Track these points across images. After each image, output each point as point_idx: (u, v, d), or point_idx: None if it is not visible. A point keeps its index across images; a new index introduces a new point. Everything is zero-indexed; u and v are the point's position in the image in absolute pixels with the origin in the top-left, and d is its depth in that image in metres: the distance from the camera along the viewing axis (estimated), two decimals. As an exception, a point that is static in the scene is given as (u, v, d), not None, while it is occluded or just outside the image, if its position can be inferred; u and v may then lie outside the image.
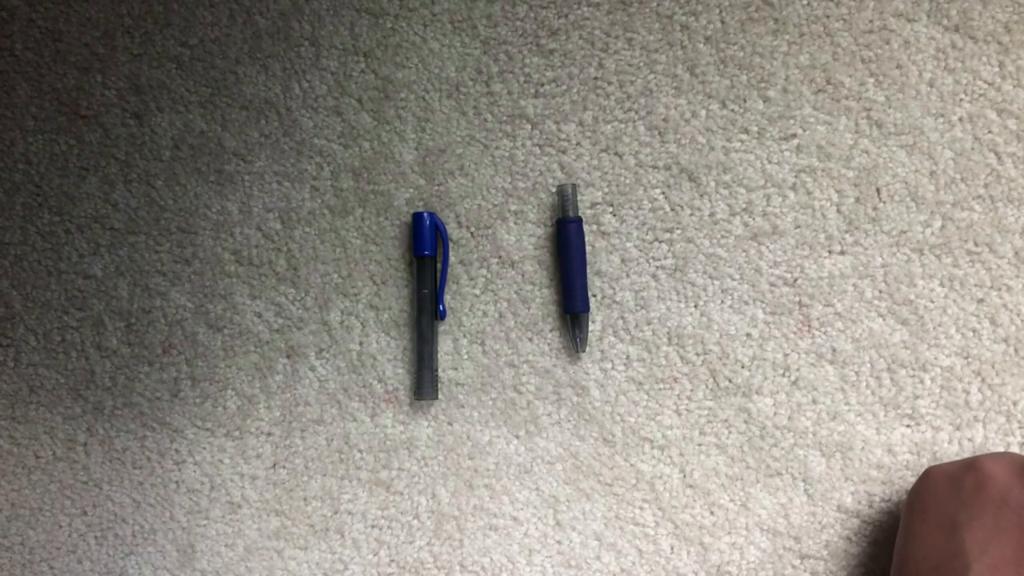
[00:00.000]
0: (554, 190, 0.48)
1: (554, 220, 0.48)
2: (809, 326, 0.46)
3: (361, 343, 0.48)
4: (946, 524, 0.39)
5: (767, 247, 0.47)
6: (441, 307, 0.47)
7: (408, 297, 0.48)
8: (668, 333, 0.47)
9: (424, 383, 0.47)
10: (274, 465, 0.48)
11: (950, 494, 0.39)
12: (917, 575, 0.39)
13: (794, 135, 0.47)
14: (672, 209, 0.47)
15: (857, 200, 0.47)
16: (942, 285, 0.46)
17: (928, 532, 0.39)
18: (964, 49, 0.46)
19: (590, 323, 0.47)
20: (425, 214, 0.47)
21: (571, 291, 0.46)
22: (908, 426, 0.46)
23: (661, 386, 0.47)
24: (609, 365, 0.47)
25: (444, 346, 0.48)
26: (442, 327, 0.48)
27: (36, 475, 0.49)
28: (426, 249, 0.47)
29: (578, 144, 0.48)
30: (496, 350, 0.48)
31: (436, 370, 0.47)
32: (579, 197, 0.48)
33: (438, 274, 0.48)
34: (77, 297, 0.50)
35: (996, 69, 0.46)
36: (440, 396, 0.48)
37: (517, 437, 0.47)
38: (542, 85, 0.48)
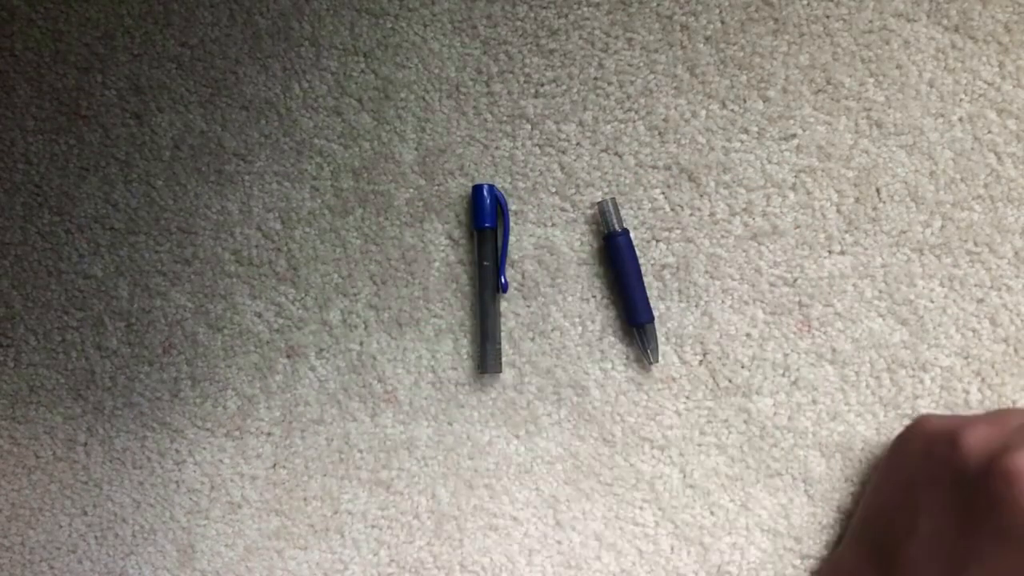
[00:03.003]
0: (593, 209, 0.48)
1: (600, 232, 0.48)
2: (809, 326, 0.46)
3: (361, 343, 0.48)
4: (906, 485, 0.40)
5: (767, 247, 0.47)
6: (503, 279, 0.47)
7: (407, 296, 0.48)
8: (668, 333, 0.47)
9: (488, 357, 0.46)
10: (274, 465, 0.48)
11: (921, 459, 0.40)
12: (869, 523, 0.42)
13: (794, 135, 0.47)
14: (672, 209, 0.47)
15: (857, 200, 0.47)
16: (942, 285, 0.46)
17: (891, 490, 0.41)
18: (964, 49, 0.46)
19: (591, 323, 0.47)
20: (485, 186, 0.47)
21: (633, 303, 0.46)
22: (908, 426, 0.46)
23: (661, 386, 0.47)
24: (609, 365, 0.47)
25: (444, 346, 0.48)
26: (442, 325, 0.48)
27: (36, 475, 0.49)
28: (487, 221, 0.47)
29: (578, 144, 0.48)
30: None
31: (499, 344, 0.47)
32: (579, 197, 0.48)
33: (499, 247, 0.47)
34: (77, 297, 0.50)
35: (996, 69, 0.46)
36: (440, 396, 0.48)
37: (517, 437, 0.47)
38: (542, 85, 0.48)
